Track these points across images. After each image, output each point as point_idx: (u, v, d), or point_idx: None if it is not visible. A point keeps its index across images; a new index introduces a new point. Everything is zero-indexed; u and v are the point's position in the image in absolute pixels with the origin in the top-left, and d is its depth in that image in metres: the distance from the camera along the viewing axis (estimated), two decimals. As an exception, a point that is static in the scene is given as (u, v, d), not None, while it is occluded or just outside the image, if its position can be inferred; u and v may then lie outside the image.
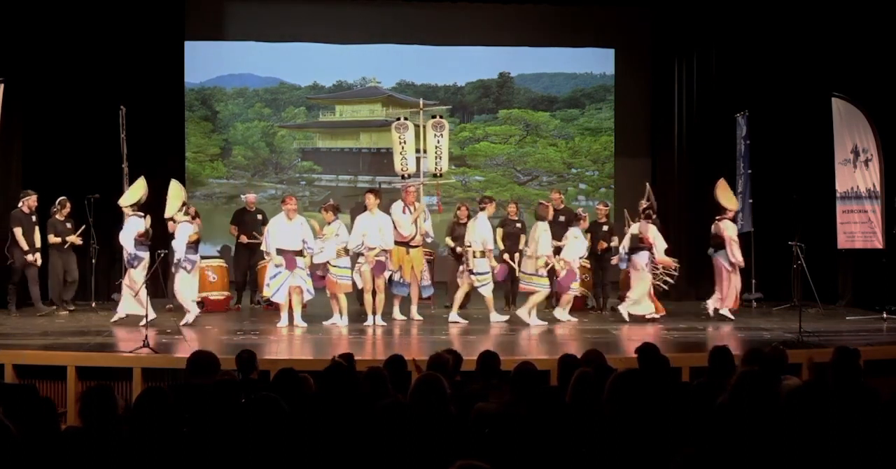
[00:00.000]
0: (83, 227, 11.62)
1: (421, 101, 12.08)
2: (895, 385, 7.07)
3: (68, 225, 11.61)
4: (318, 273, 10.72)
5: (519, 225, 11.95)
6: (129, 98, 12.45)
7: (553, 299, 11.76)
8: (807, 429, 4.09)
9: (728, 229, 11.23)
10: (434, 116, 11.70)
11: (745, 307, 12.18)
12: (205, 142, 15.40)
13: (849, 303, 12.51)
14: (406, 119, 11.57)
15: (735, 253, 11.18)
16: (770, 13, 13.42)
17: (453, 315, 10.97)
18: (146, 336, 8.56)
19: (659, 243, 11.03)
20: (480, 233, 10.85)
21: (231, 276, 12.51)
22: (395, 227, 10.91)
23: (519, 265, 11.38)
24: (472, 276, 10.90)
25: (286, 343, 9.71)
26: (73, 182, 12.27)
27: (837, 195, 12.09)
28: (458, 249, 11.52)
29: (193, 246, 10.91)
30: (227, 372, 6.30)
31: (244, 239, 12.42)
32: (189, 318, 10.59)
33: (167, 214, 11.10)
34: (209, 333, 10.04)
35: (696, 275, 12.93)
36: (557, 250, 11.23)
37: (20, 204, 11.37)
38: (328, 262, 10.62)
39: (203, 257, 12.36)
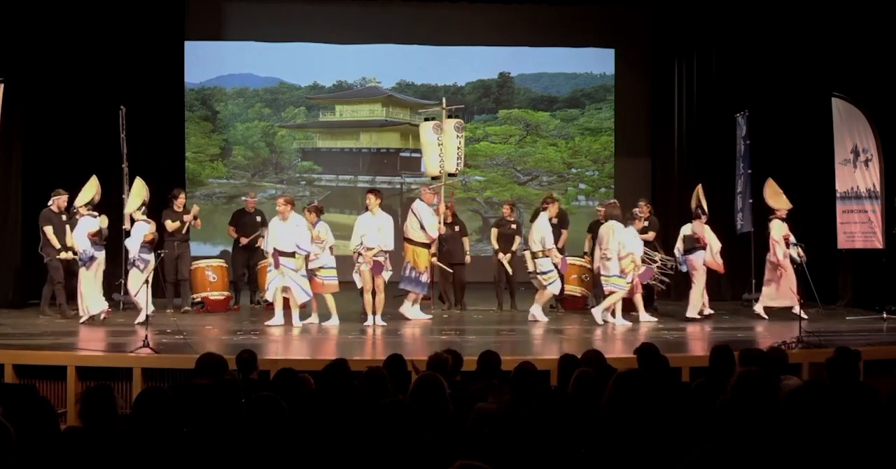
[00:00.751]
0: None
1: (443, 101, 11.95)
2: (895, 385, 7.09)
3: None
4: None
5: (514, 226, 11.93)
6: (129, 98, 12.45)
7: (556, 301, 11.86)
8: (806, 429, 4.09)
9: (773, 229, 11.28)
10: (455, 116, 11.58)
11: (744, 307, 12.19)
12: (205, 142, 15.40)
13: (849, 303, 12.52)
14: (434, 119, 11.45)
15: (777, 253, 11.21)
16: (770, 13, 13.42)
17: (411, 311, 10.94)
18: (146, 336, 8.56)
19: (714, 243, 11.18)
20: (541, 233, 10.84)
21: (231, 277, 12.50)
22: (422, 228, 10.86)
23: (507, 265, 11.44)
24: (539, 277, 10.90)
25: (286, 343, 9.70)
26: (73, 182, 12.25)
27: (837, 195, 12.09)
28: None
29: (148, 245, 10.88)
30: (227, 372, 6.31)
31: (243, 240, 12.40)
32: (142, 316, 10.45)
33: (127, 211, 11.06)
34: (209, 333, 10.03)
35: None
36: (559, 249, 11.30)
37: (50, 202, 11.28)
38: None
39: (204, 257, 12.40)
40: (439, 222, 11.16)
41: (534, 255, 10.88)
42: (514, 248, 11.88)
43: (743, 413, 4.14)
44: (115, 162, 12.12)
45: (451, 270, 11.82)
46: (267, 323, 10.49)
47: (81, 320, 10.58)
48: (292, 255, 10.47)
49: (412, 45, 15.45)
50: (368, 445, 3.97)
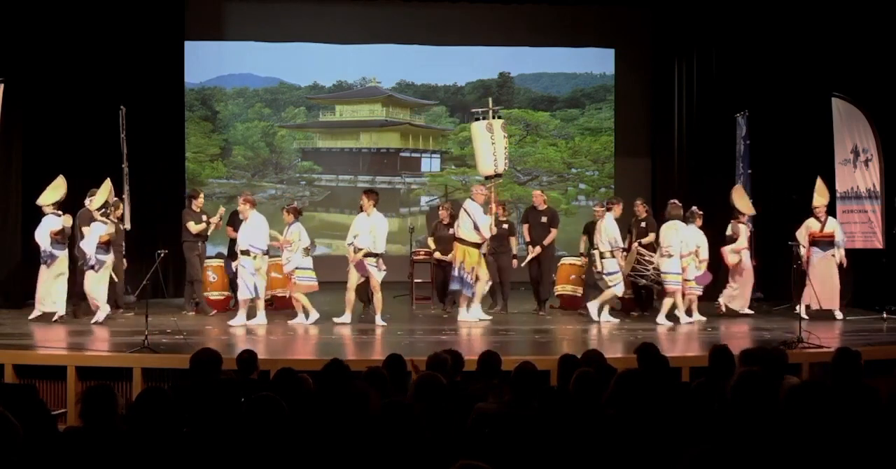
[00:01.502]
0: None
1: (490, 101, 11.82)
2: (895, 385, 7.09)
3: (122, 226, 11.52)
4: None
5: (506, 226, 11.76)
6: (129, 98, 12.45)
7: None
8: (807, 429, 4.09)
9: (742, 233, 11.59)
10: (499, 116, 11.49)
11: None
12: (205, 142, 15.40)
13: (849, 303, 12.49)
14: (483, 118, 11.36)
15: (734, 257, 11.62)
16: (770, 13, 13.41)
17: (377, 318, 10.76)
18: (146, 336, 8.56)
19: (739, 242, 11.49)
20: (610, 233, 10.87)
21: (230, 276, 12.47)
22: (475, 228, 10.82)
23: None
24: (605, 277, 10.91)
25: (286, 343, 9.70)
26: (73, 182, 12.25)
27: (837, 195, 12.08)
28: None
29: (104, 246, 10.85)
30: (227, 372, 6.31)
31: None
32: (100, 316, 10.61)
33: (91, 208, 11.00)
34: (210, 333, 10.04)
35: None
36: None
37: (87, 202, 11.25)
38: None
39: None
40: (491, 223, 11.05)
41: (601, 256, 10.91)
42: (513, 249, 11.79)
43: (743, 413, 4.14)
44: (115, 162, 12.11)
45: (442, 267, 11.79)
46: (231, 322, 10.50)
47: (31, 316, 10.71)
48: (248, 253, 10.47)
49: (412, 45, 15.45)
50: (368, 445, 3.97)
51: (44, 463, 3.80)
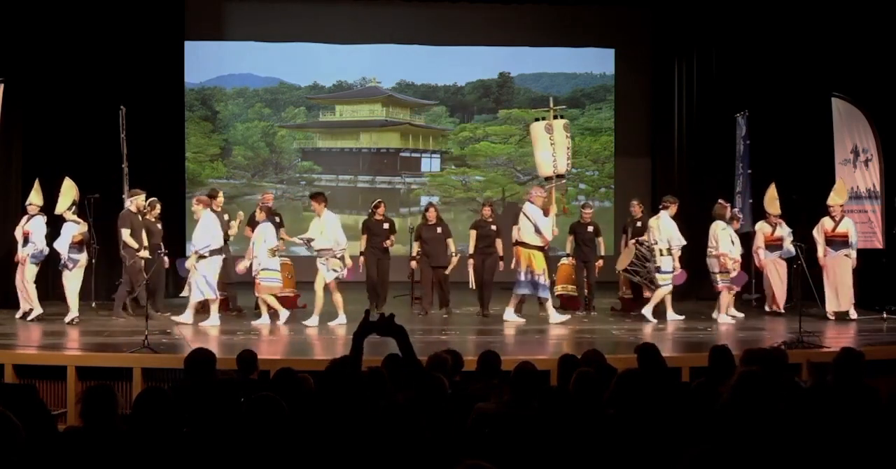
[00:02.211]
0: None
1: (551, 100, 11.74)
2: (895, 385, 7.09)
3: (159, 226, 11.48)
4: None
5: (494, 227, 11.50)
6: (129, 98, 12.45)
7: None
8: (807, 428, 4.09)
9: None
10: (562, 117, 11.44)
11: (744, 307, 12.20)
12: (205, 142, 15.40)
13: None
14: (543, 119, 11.28)
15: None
16: (770, 13, 13.41)
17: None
18: (146, 336, 8.56)
19: (757, 241, 11.67)
20: (668, 232, 10.95)
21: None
22: (536, 231, 10.76)
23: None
24: (657, 274, 11.00)
25: (286, 343, 9.70)
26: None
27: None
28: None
29: (77, 246, 10.89)
30: (227, 372, 6.31)
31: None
32: (70, 316, 10.65)
33: (58, 211, 11.03)
34: (209, 333, 10.04)
35: (696, 275, 12.89)
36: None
37: (128, 203, 11.23)
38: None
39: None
40: (553, 224, 10.99)
41: (660, 252, 11.01)
42: (496, 248, 11.48)
43: (743, 413, 4.14)
44: (115, 162, 12.11)
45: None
46: (254, 323, 10.54)
47: (67, 319, 10.70)
48: (203, 254, 10.49)
49: (412, 45, 15.45)
50: (368, 445, 3.97)
51: (44, 463, 3.80)
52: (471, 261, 11.38)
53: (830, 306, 11.17)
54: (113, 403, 4.12)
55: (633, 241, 11.44)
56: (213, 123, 15.47)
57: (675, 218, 11.23)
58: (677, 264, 11.11)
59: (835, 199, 11.37)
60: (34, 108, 12.54)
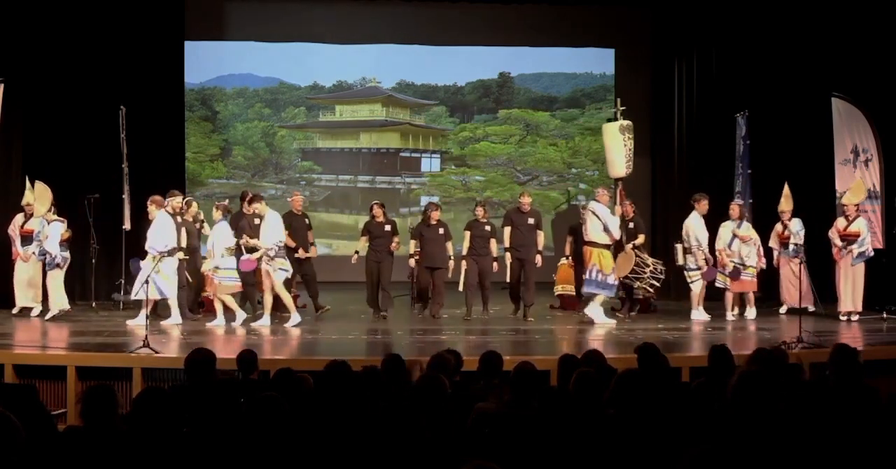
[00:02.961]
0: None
1: (618, 101, 11.76)
2: (895, 385, 7.10)
3: (197, 226, 11.35)
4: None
5: (488, 228, 11.33)
6: (129, 98, 12.45)
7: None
8: (807, 428, 4.09)
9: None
10: (620, 118, 11.47)
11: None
12: (205, 142, 15.40)
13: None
14: (617, 119, 11.36)
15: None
16: (770, 13, 13.41)
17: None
18: (146, 336, 8.56)
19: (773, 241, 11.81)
20: (694, 231, 11.11)
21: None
22: (605, 230, 10.80)
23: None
24: (686, 273, 11.20)
25: (286, 343, 9.70)
26: (73, 182, 12.28)
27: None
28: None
29: (65, 243, 11.08)
30: (228, 372, 6.31)
31: (291, 245, 11.25)
32: (59, 308, 10.83)
33: (37, 214, 11.12)
34: (210, 333, 10.04)
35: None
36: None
37: (165, 204, 11.23)
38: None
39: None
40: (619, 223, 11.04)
41: (685, 250, 11.16)
42: (491, 249, 11.29)
43: (743, 413, 4.14)
44: (115, 162, 12.12)
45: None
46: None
47: (47, 317, 10.92)
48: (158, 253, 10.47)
49: (412, 45, 15.45)
50: (368, 445, 3.97)
51: (44, 463, 3.80)
52: (464, 263, 11.23)
53: (843, 306, 11.17)
54: (113, 403, 4.12)
55: (630, 245, 11.40)
56: (213, 123, 15.47)
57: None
58: (702, 262, 11.16)
59: (850, 198, 11.38)
60: (34, 108, 12.54)
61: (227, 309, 10.56)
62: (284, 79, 15.66)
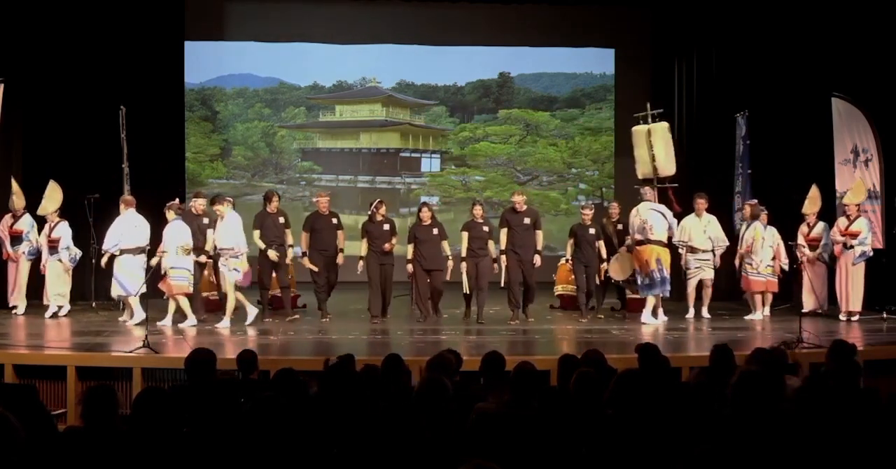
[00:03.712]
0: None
1: (648, 105, 11.92)
2: (895, 385, 7.10)
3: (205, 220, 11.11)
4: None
5: (486, 228, 11.06)
6: (129, 98, 12.45)
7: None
8: (807, 428, 4.09)
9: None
10: (655, 119, 11.62)
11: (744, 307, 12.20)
12: (205, 142, 15.41)
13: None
14: (645, 122, 11.57)
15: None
16: (770, 13, 13.41)
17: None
18: (146, 336, 8.56)
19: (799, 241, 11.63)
20: (713, 231, 11.30)
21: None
22: (669, 228, 10.96)
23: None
24: (687, 271, 11.36)
25: (286, 343, 9.70)
26: (73, 182, 12.26)
27: (837, 195, 12.08)
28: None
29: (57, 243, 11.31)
30: (228, 372, 6.31)
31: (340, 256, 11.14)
32: (59, 306, 10.99)
33: (43, 211, 11.26)
34: (210, 333, 10.04)
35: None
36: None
37: (191, 204, 11.12)
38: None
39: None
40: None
41: (690, 250, 11.29)
42: (489, 249, 11.05)
43: (743, 413, 4.14)
44: (115, 162, 12.12)
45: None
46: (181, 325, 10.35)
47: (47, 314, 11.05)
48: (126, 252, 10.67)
49: (412, 45, 15.46)
50: (368, 445, 3.97)
51: (44, 463, 3.80)
52: (464, 264, 10.97)
53: (844, 306, 11.16)
54: (113, 403, 4.12)
55: (625, 247, 11.36)
56: (213, 123, 15.47)
57: (681, 215, 11.32)
58: (717, 260, 11.35)
59: (851, 198, 11.38)
60: (34, 108, 12.55)
61: (179, 309, 10.43)
62: (284, 79, 15.67)
